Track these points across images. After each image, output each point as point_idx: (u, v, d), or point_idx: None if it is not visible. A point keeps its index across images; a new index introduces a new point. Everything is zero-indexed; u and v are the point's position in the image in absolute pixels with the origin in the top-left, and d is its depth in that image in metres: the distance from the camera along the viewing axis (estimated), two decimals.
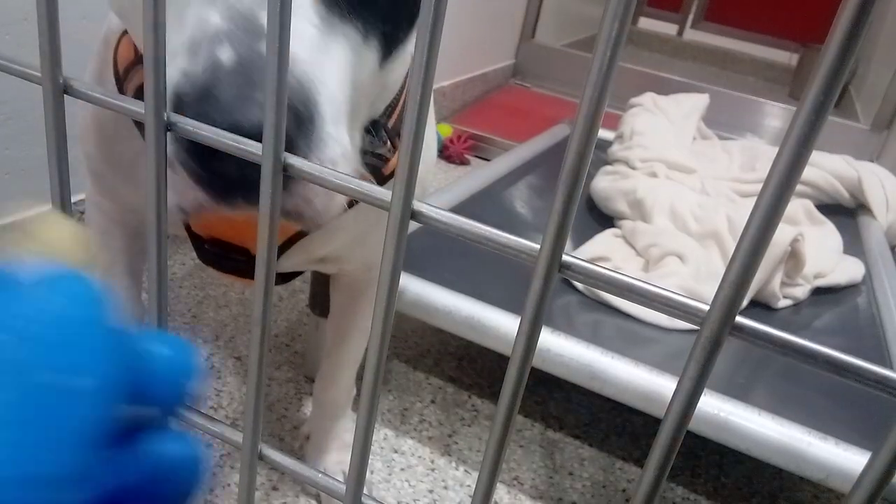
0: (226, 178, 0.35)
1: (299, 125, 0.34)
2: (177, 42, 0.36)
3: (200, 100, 0.34)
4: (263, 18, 0.33)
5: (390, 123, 0.53)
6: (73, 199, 0.37)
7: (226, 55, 0.34)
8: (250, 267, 0.46)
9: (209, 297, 1.17)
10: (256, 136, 0.29)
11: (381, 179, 0.54)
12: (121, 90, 0.56)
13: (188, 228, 0.63)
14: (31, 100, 0.98)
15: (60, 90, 0.32)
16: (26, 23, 0.95)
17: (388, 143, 0.53)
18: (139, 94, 0.55)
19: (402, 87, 0.53)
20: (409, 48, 0.47)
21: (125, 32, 0.54)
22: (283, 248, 0.59)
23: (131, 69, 0.55)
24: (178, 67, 0.35)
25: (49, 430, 0.20)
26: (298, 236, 0.59)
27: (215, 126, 0.31)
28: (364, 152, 0.49)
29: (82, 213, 1.09)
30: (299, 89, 0.35)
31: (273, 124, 0.28)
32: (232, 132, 0.30)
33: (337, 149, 0.36)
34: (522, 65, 2.71)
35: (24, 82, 0.34)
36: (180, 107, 0.34)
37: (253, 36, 0.35)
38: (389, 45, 0.43)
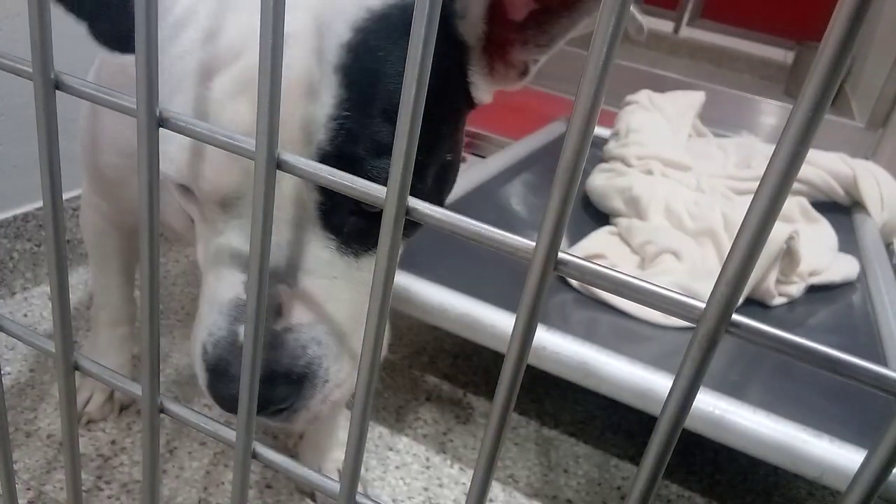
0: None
1: (301, 392, 0.44)
2: (219, 297, 0.44)
3: (217, 370, 0.44)
4: (283, 294, 0.42)
5: None
6: (66, 195, 0.37)
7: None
8: None
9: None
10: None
11: None
12: None
13: None
14: (23, 96, 0.97)
15: (52, 85, 0.32)
16: (18, 18, 0.94)
17: None
18: None
19: None
20: None
21: None
22: None
23: None
24: (210, 326, 0.44)
25: None
26: None
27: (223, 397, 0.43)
28: None
29: (74, 209, 1.08)
30: (303, 359, 0.43)
31: (267, 120, 0.28)
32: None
33: (341, 391, 0.46)
34: None
35: (17, 78, 0.34)
36: (204, 356, 0.44)
37: (271, 316, 0.42)
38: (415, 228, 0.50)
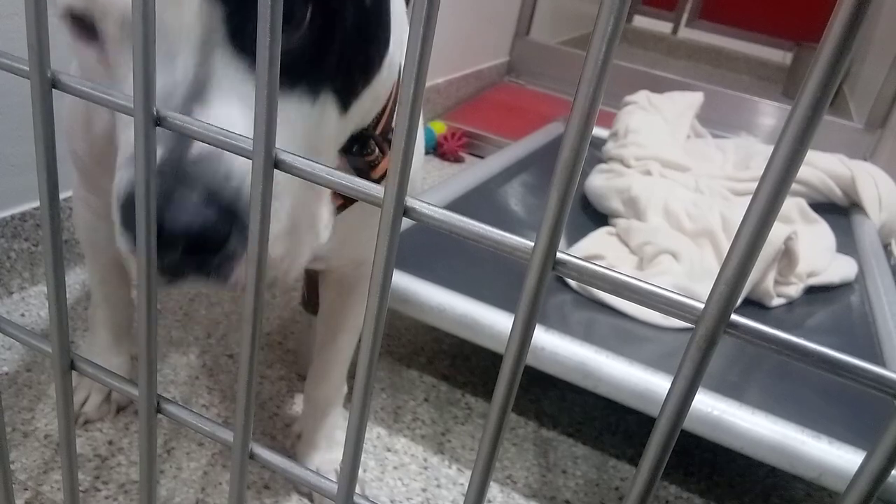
0: (177, 264, 0.39)
1: (232, 221, 0.38)
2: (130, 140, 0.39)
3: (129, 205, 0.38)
4: (195, 111, 0.38)
5: (378, 131, 0.55)
6: (63, 195, 0.37)
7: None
8: None
9: (201, 295, 1.17)
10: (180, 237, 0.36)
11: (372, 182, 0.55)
12: None
13: None
14: (20, 95, 0.97)
15: (48, 84, 0.32)
16: (16, 18, 0.94)
17: (377, 149, 0.55)
18: None
19: (390, 97, 0.55)
20: (384, 75, 0.49)
21: None
22: None
23: None
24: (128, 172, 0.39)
25: None
26: None
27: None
28: (353, 156, 0.54)
29: (72, 209, 1.08)
30: (227, 189, 0.38)
31: (264, 119, 0.28)
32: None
33: (277, 250, 0.41)
34: (517, 62, 2.71)
35: (14, 77, 0.33)
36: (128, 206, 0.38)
37: (182, 143, 0.38)
38: (349, 94, 0.46)
